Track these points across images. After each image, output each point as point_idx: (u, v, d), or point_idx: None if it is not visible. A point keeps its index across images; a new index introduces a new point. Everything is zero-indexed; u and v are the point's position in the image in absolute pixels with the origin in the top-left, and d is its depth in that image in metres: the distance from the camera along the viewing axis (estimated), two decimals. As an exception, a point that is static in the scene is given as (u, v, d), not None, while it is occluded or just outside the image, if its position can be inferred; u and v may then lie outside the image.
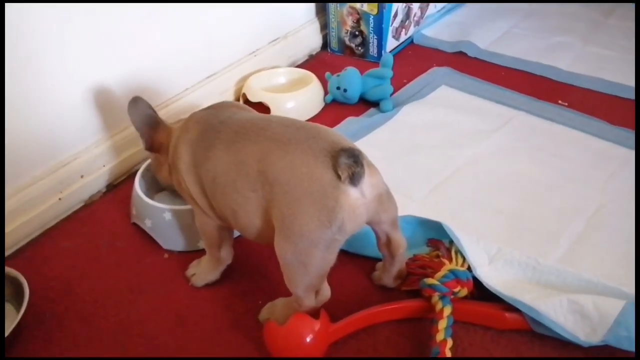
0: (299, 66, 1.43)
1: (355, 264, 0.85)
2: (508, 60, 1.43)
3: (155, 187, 0.99)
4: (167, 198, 0.97)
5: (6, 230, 0.89)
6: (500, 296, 0.76)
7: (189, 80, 1.18)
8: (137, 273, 0.87)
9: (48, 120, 0.93)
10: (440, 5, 1.66)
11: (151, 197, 0.92)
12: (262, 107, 1.19)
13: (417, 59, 1.46)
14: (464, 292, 0.76)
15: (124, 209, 0.98)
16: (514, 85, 1.31)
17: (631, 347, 0.69)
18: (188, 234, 0.88)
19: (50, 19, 0.88)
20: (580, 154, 1.09)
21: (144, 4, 1.02)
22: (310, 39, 1.50)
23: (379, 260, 0.82)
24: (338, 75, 1.26)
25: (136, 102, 0.83)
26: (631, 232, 0.90)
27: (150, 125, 0.83)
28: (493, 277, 0.79)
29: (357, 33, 1.44)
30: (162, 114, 0.88)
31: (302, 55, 1.48)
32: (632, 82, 1.31)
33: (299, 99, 1.22)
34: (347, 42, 1.47)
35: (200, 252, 0.86)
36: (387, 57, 1.24)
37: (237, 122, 0.73)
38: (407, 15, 1.48)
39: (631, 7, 1.69)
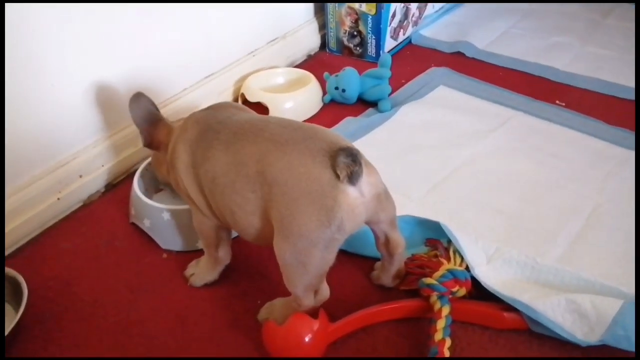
0: (297, 66, 1.44)
1: (354, 263, 0.86)
2: (506, 60, 1.43)
3: (154, 187, 0.99)
4: (166, 198, 0.97)
5: (5, 230, 0.89)
6: (499, 296, 0.76)
7: (188, 80, 1.18)
8: (136, 273, 0.87)
9: (47, 119, 0.93)
10: (438, 5, 1.66)
11: (150, 197, 0.92)
12: (260, 107, 1.19)
13: (415, 59, 1.46)
14: (462, 291, 0.77)
15: (122, 209, 0.98)
16: (512, 85, 1.32)
17: (629, 346, 0.69)
18: (187, 233, 0.88)
19: (50, 19, 0.88)
20: (578, 153, 1.09)
21: (143, 4, 1.01)
22: (309, 39, 1.50)
23: (378, 259, 0.82)
24: (336, 76, 1.26)
25: (138, 98, 0.83)
26: (629, 232, 0.90)
27: (150, 122, 0.83)
28: (491, 277, 0.79)
29: (355, 33, 1.44)
30: (161, 113, 0.88)
31: (300, 55, 1.48)
32: (629, 83, 1.31)
33: (297, 99, 1.22)
34: (346, 43, 1.47)
35: (199, 252, 0.86)
36: (386, 57, 1.24)
37: (236, 123, 0.73)
38: (405, 15, 1.49)
39: (629, 7, 1.69)
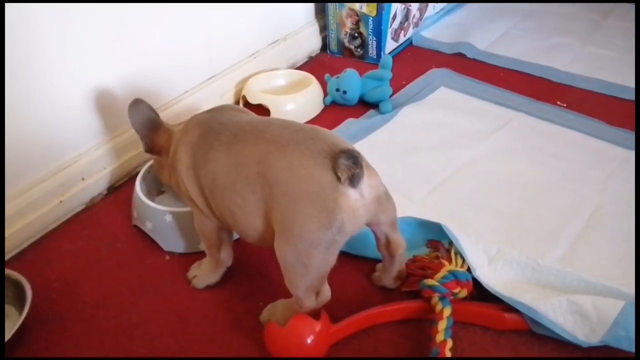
0: (298, 68, 1.44)
1: (355, 265, 0.86)
2: (507, 61, 1.43)
3: (156, 189, 0.99)
4: (168, 200, 0.97)
5: (8, 232, 0.89)
6: (500, 297, 0.76)
7: (189, 83, 1.19)
8: (138, 275, 0.87)
9: (49, 122, 0.93)
10: (439, 6, 1.67)
11: (152, 200, 0.93)
12: (262, 109, 1.19)
13: (416, 61, 1.46)
14: (463, 293, 0.77)
15: (125, 211, 0.98)
16: (513, 86, 1.32)
17: (630, 347, 0.69)
18: (189, 236, 0.88)
19: (50, 20, 0.88)
20: (579, 154, 1.09)
21: (144, 4, 1.02)
22: (310, 41, 1.50)
23: (379, 261, 0.82)
24: (337, 77, 1.26)
25: (137, 104, 0.83)
26: (630, 233, 0.91)
27: (150, 128, 0.84)
28: (492, 278, 0.79)
29: (356, 35, 1.45)
30: (162, 116, 0.88)
31: (301, 57, 1.48)
32: (630, 83, 1.31)
33: (298, 101, 1.22)
34: (347, 44, 1.47)
35: (201, 254, 0.86)
36: (386, 59, 1.24)
37: (237, 125, 0.73)
38: (406, 17, 1.49)
39: (629, 7, 1.69)
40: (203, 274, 0.84)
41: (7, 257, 0.90)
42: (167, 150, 0.82)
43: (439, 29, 1.61)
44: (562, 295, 0.75)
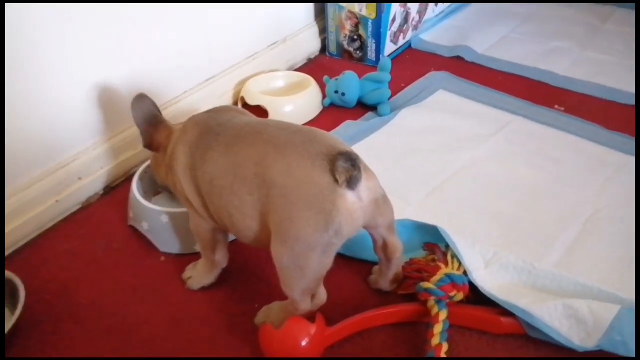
0: (297, 70, 1.44)
1: (351, 267, 0.86)
2: (505, 64, 1.43)
3: (152, 190, 0.99)
4: (164, 200, 0.97)
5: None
6: (496, 300, 0.76)
7: (188, 83, 1.19)
8: (134, 275, 0.87)
9: (46, 121, 0.93)
10: (438, 9, 1.67)
11: (148, 200, 0.92)
12: (260, 111, 1.19)
13: (414, 63, 1.47)
14: (459, 296, 0.77)
15: (121, 211, 0.98)
16: (511, 89, 1.32)
17: (626, 352, 0.69)
18: (185, 236, 0.88)
19: (50, 21, 0.88)
20: (576, 158, 1.09)
21: (143, 5, 1.02)
22: (309, 43, 1.50)
23: (376, 263, 0.82)
24: (336, 79, 1.26)
25: (141, 98, 0.83)
26: (626, 237, 0.90)
27: (151, 123, 0.83)
28: (488, 281, 0.79)
29: (355, 37, 1.45)
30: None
31: (300, 58, 1.48)
32: (628, 88, 1.31)
33: (297, 103, 1.22)
34: (346, 46, 1.47)
35: (196, 255, 0.86)
36: (385, 61, 1.24)
37: (236, 126, 0.73)
38: (405, 19, 1.49)
39: (628, 11, 1.70)
40: (198, 275, 0.84)
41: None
42: (165, 148, 0.81)
43: (438, 32, 1.61)
44: (558, 299, 0.75)
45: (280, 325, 0.70)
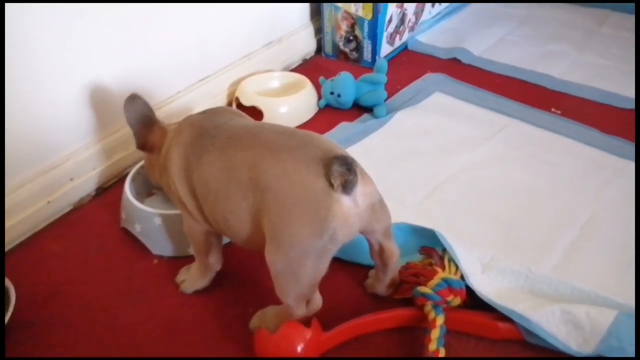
0: (293, 70, 1.43)
1: (347, 271, 0.85)
2: (502, 67, 1.43)
3: (145, 191, 0.98)
4: (157, 202, 0.96)
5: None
6: (493, 305, 0.75)
7: (182, 83, 1.18)
8: (126, 278, 0.85)
9: (38, 121, 0.92)
10: (435, 11, 1.66)
11: (141, 201, 0.91)
12: (255, 111, 1.18)
13: (411, 65, 1.46)
14: (456, 301, 0.76)
15: (113, 213, 0.97)
16: (508, 92, 1.31)
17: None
18: (178, 239, 0.87)
19: (41, 19, 0.86)
20: (573, 162, 1.09)
21: (138, 4, 1.01)
22: (305, 44, 1.49)
23: (372, 268, 0.81)
24: (332, 80, 1.25)
25: (133, 99, 0.82)
26: (624, 241, 0.90)
27: (144, 124, 0.82)
28: (486, 286, 0.79)
29: (351, 38, 1.44)
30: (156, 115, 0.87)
31: (296, 59, 1.48)
32: (625, 91, 1.31)
33: (292, 104, 1.21)
34: (342, 47, 1.47)
35: (190, 258, 0.85)
36: (381, 63, 1.24)
37: (232, 129, 0.72)
38: (402, 20, 1.48)
39: (625, 15, 1.70)
40: (192, 279, 0.82)
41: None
42: (159, 148, 0.80)
43: (434, 33, 1.60)
44: (555, 304, 0.75)
45: (275, 330, 0.69)
